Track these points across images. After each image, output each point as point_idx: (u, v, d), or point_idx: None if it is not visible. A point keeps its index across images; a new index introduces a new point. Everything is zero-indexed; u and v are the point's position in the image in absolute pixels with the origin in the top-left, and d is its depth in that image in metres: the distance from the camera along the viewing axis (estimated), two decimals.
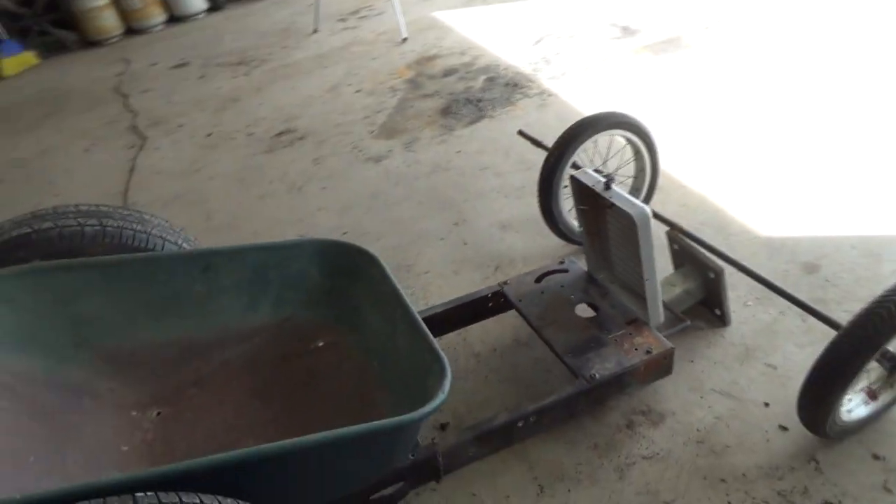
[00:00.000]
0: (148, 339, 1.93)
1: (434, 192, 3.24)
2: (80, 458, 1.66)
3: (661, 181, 2.84)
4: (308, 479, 1.54)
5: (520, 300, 2.18)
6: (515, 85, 4.07)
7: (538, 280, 2.25)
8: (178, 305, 1.94)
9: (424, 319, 2.13)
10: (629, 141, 2.54)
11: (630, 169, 2.66)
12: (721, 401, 2.01)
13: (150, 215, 2.09)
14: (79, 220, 1.89)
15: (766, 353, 2.12)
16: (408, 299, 1.87)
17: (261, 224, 3.27)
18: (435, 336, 2.24)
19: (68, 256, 1.83)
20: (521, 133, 2.89)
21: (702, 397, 2.03)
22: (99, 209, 1.97)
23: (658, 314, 2.02)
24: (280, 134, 4.07)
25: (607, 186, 1.92)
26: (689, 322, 2.09)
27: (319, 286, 2.09)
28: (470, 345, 2.38)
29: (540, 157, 2.55)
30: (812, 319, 1.88)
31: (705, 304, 2.27)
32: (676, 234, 2.25)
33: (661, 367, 1.95)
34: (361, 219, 3.15)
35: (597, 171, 2.40)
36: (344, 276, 2.06)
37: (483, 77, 4.24)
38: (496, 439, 1.81)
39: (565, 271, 2.28)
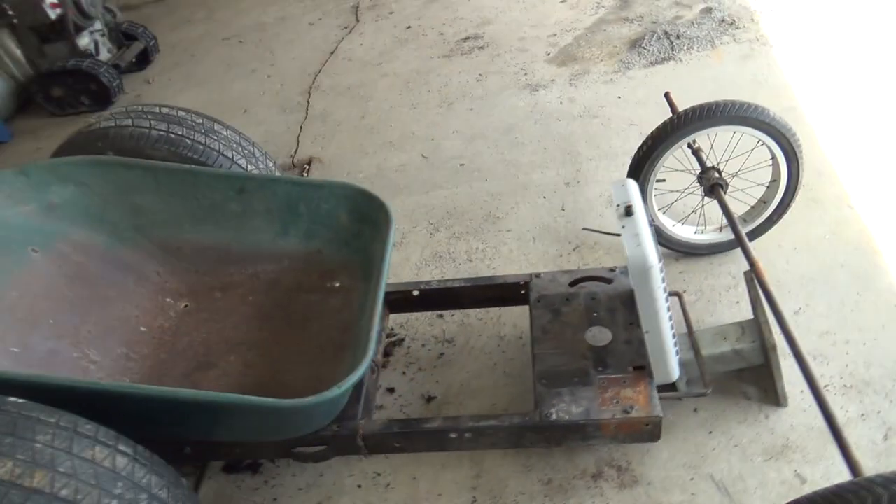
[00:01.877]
0: (193, 240, 2.17)
1: (566, 140, 2.94)
2: (97, 330, 1.99)
3: (827, 190, 2.25)
4: (217, 423, 1.67)
5: (538, 300, 1.96)
6: (732, 23, 3.35)
7: (573, 283, 1.99)
8: (216, 217, 2.12)
9: (446, 290, 2.08)
10: (763, 142, 2.00)
11: (767, 173, 2.12)
12: (710, 493, 1.66)
13: (222, 126, 2.25)
14: (151, 122, 2.11)
15: (806, 460, 1.67)
16: (386, 270, 1.81)
17: (397, 134, 3.31)
18: (454, 309, 2.16)
19: (135, 154, 2.07)
20: (666, 97, 2.43)
21: (692, 479, 1.70)
22: (176, 114, 2.18)
23: (666, 372, 1.68)
24: (466, 39, 3.94)
25: (627, 212, 1.58)
26: (708, 391, 1.71)
27: (347, 229, 2.11)
28: (502, 324, 2.25)
29: None
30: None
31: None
32: (752, 278, 1.79)
33: (641, 431, 1.65)
34: (483, 152, 3.02)
35: (706, 171, 1.99)
36: (368, 226, 2.05)
37: (702, 6, 3.55)
38: (425, 442, 1.75)
39: (608, 281, 1.97)
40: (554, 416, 1.66)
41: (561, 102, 3.18)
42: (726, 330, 1.82)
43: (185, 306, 2.17)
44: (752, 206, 2.18)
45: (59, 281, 1.99)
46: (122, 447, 1.42)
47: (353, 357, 1.63)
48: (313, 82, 3.99)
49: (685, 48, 3.27)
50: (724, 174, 2.09)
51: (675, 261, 2.27)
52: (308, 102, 3.81)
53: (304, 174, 3.28)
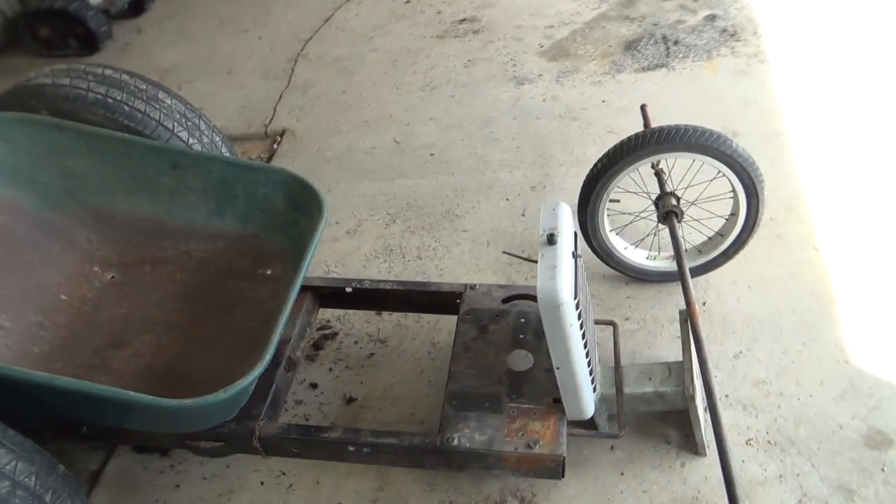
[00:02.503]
0: (126, 210, 2.09)
1: (542, 141, 2.82)
2: (11, 294, 1.92)
3: (795, 228, 2.14)
4: (106, 412, 1.62)
5: (468, 313, 1.88)
6: (733, 34, 3.18)
7: (507, 300, 1.90)
8: (150, 189, 2.04)
9: (378, 290, 1.99)
10: (724, 174, 1.89)
11: (728, 205, 2.01)
12: None
13: (167, 94, 2.15)
14: (91, 84, 2.02)
15: None
16: (307, 263, 1.73)
17: (374, 114, 3.20)
18: (386, 311, 2.07)
19: (70, 116, 1.99)
20: (642, 109, 2.31)
21: None
22: (119, 78, 2.08)
23: (579, 409, 1.60)
24: (462, 21, 3.79)
25: (549, 241, 1.47)
26: (620, 435, 1.63)
27: (284, 216, 2.02)
28: (437, 330, 2.18)
29: None
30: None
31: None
32: (686, 319, 1.69)
33: (543, 468, 1.58)
34: (456, 144, 2.90)
35: (663, 196, 1.88)
36: (304, 215, 1.96)
37: (707, 13, 3.38)
38: (323, 451, 1.69)
39: None
40: (455, 443, 1.59)
41: (544, 100, 3.05)
42: (653, 370, 1.73)
43: (112, 277, 2.10)
44: (710, 238, 2.07)
45: None
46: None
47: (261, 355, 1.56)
48: (302, 49, 3.87)
49: (681, 56, 3.12)
50: (682, 201, 1.99)
51: (624, 284, 2.17)
52: (293, 71, 3.69)
53: (275, 146, 3.18)
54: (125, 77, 2.11)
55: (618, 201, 2.02)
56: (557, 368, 1.52)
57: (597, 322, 1.89)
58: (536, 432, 1.59)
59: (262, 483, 1.86)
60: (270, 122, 3.32)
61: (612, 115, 2.88)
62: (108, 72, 2.10)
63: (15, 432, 1.42)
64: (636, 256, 2.11)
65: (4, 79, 4.16)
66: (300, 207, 1.97)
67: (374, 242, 2.53)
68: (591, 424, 1.71)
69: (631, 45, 3.26)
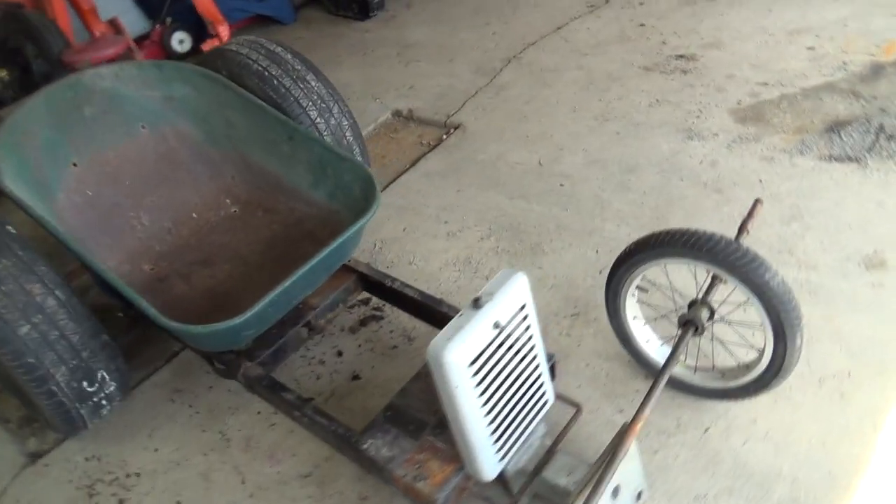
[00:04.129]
0: (261, 162, 2.54)
1: (669, 205, 2.65)
2: (158, 201, 2.51)
3: (870, 395, 1.84)
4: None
5: None
6: None
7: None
8: (275, 152, 2.45)
9: (405, 295, 2.19)
10: (752, 304, 1.68)
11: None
12: None
13: (315, 76, 2.52)
14: (259, 57, 2.48)
15: None
16: (331, 248, 1.98)
17: (538, 131, 3.28)
18: (410, 314, 2.26)
19: (237, 79, 2.47)
20: (754, 204, 2.09)
21: None
22: (283, 56, 2.51)
23: (474, 469, 1.64)
24: (679, 56, 3.59)
25: (475, 304, 1.52)
26: None
27: (358, 202, 2.29)
28: None
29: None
30: None
31: None
32: (622, 433, 1.60)
33: (419, 500, 1.67)
34: (589, 182, 2.87)
35: (695, 302, 1.76)
36: (369, 204, 2.19)
37: None
38: (279, 405, 1.98)
39: None
40: (365, 446, 1.75)
41: (701, 162, 2.83)
42: (579, 466, 1.67)
43: (234, 211, 2.60)
44: (736, 365, 1.85)
45: (151, 156, 2.55)
46: (58, 292, 1.90)
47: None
48: (520, 52, 4.04)
49: (885, 155, 2.62)
50: (716, 316, 1.81)
51: (642, 378, 2.04)
52: (500, 71, 3.89)
53: (444, 136, 3.45)
54: (287, 56, 2.54)
55: (646, 291, 1.91)
56: (449, 422, 1.59)
57: (562, 399, 1.86)
58: (430, 471, 1.68)
59: (258, 412, 2.22)
60: (454, 114, 3.59)
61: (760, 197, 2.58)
62: (278, 49, 2.55)
63: (78, 301, 1.94)
64: (656, 353, 1.97)
65: (297, 27, 5.09)
66: (367, 198, 2.22)
67: (461, 251, 2.69)
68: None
69: (835, 127, 2.82)
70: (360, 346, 2.40)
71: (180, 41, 4.84)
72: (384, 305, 2.53)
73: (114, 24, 4.37)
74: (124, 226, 2.44)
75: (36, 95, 2.33)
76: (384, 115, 3.74)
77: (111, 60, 4.17)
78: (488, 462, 1.63)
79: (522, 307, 1.61)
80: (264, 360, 2.09)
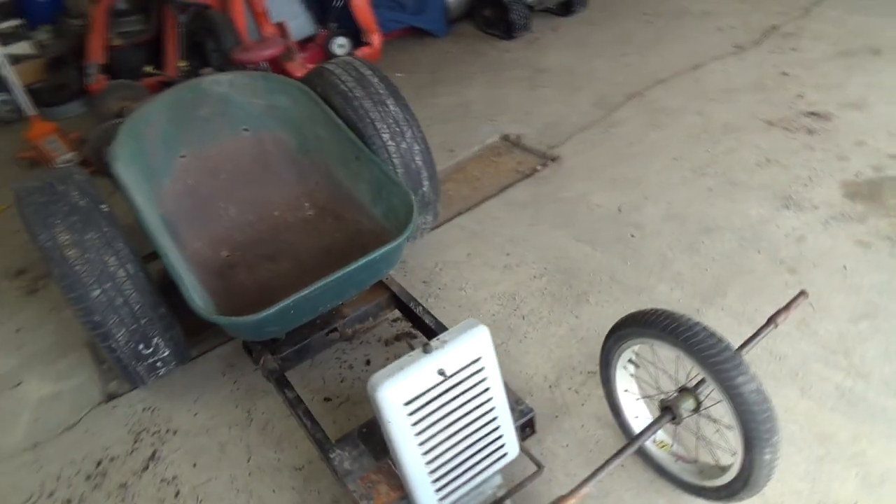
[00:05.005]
0: (340, 175, 2.76)
1: (734, 276, 2.47)
2: (247, 197, 2.82)
3: None
4: None
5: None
6: None
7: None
8: (348, 167, 2.66)
9: (422, 322, 2.30)
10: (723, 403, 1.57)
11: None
12: None
13: (395, 101, 2.69)
14: (348, 78, 2.70)
15: None
16: (356, 265, 2.14)
17: (630, 175, 3.19)
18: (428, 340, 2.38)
19: (325, 96, 2.71)
20: (798, 295, 1.94)
21: None
22: (369, 79, 2.70)
23: (413, 502, 1.71)
24: (811, 114, 3.27)
25: (425, 349, 1.59)
26: None
27: (401, 226, 2.41)
28: None
29: None
30: None
31: None
32: None
33: None
34: (660, 237, 2.75)
35: (681, 389, 1.72)
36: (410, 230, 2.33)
37: None
38: (284, 399, 2.16)
39: None
40: (332, 455, 1.90)
41: (786, 235, 2.60)
42: None
43: (309, 214, 2.86)
44: (714, 465, 1.73)
45: (248, 156, 2.87)
46: (128, 266, 2.24)
47: None
48: (646, 89, 3.92)
49: None
50: (702, 409, 1.71)
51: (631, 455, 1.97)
52: (618, 107, 3.81)
53: (539, 168, 3.47)
54: (374, 80, 2.73)
55: (637, 366, 1.85)
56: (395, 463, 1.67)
57: (527, 455, 1.86)
58: (377, 493, 1.78)
59: (283, 401, 2.44)
60: (557, 145, 3.59)
61: (836, 287, 2.33)
62: (367, 72, 2.75)
63: (145, 276, 2.28)
64: (638, 429, 1.89)
65: (449, 42, 5.30)
66: (406, 224, 2.35)
67: (510, 286, 2.72)
68: None
69: None
70: (387, 359, 2.54)
71: (340, 45, 5.26)
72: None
73: (280, 27, 4.88)
74: (213, 214, 2.79)
75: (164, 94, 2.74)
76: (492, 138, 3.83)
77: (270, 60, 4.69)
78: (427, 498, 1.70)
79: (477, 360, 1.65)
80: (287, 356, 2.31)
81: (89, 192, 2.32)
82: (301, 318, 2.27)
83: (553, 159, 3.50)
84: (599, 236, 2.86)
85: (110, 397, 2.62)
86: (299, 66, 4.95)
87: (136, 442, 2.40)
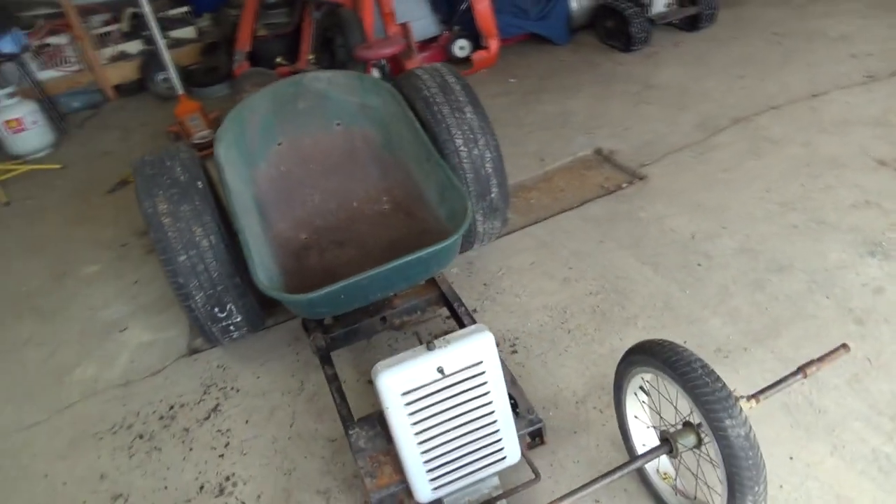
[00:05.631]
0: (416, 173, 2.92)
1: (794, 318, 2.35)
2: (332, 186, 3.05)
3: None
4: None
5: None
6: None
7: None
8: (422, 167, 2.81)
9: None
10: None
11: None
12: None
13: (472, 108, 2.80)
14: (430, 83, 2.84)
15: None
16: (400, 260, 2.30)
17: (713, 203, 3.09)
18: None
19: (411, 97, 2.87)
20: (840, 347, 1.86)
21: None
22: (450, 85, 2.83)
23: (411, 486, 1.83)
24: None
25: (429, 346, 1.70)
26: None
27: (458, 228, 2.53)
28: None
29: None
30: None
31: None
32: None
33: (363, 493, 1.92)
34: (725, 269, 2.67)
35: (687, 423, 1.74)
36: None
37: None
38: (324, 375, 2.35)
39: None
40: (351, 432, 2.06)
41: (864, 284, 2.43)
42: None
43: (386, 209, 3.04)
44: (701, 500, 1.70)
45: (338, 149, 3.10)
46: (211, 238, 2.53)
47: None
48: (755, 115, 3.75)
49: None
50: (701, 444, 1.69)
51: (638, 482, 1.97)
52: (720, 131, 3.68)
53: (624, 185, 3.44)
54: (457, 87, 2.86)
55: (648, 394, 1.85)
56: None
57: (527, 462, 1.91)
58: (382, 473, 1.92)
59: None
60: (648, 164, 3.54)
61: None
62: (451, 80, 2.88)
63: (224, 249, 2.56)
64: (651, 464, 1.89)
65: (568, 51, 5.31)
66: (458, 228, 2.46)
67: (563, 299, 2.76)
68: None
69: None
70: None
71: (461, 48, 5.44)
72: (476, 312, 2.77)
73: (404, 28, 5.14)
74: (300, 199, 3.05)
75: (269, 86, 3.03)
76: (585, 151, 3.83)
77: (389, 58, 4.95)
78: (420, 485, 1.82)
79: (478, 364, 1.73)
80: (336, 336, 2.51)
81: (190, 169, 2.64)
82: (351, 304, 2.45)
83: (640, 178, 3.45)
84: (664, 261, 2.81)
85: (193, 351, 2.96)
86: (417, 64, 5.18)
87: (204, 394, 2.71)
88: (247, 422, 2.53)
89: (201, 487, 2.30)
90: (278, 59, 5.15)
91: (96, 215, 4.29)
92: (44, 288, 3.68)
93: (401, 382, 1.68)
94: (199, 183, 2.61)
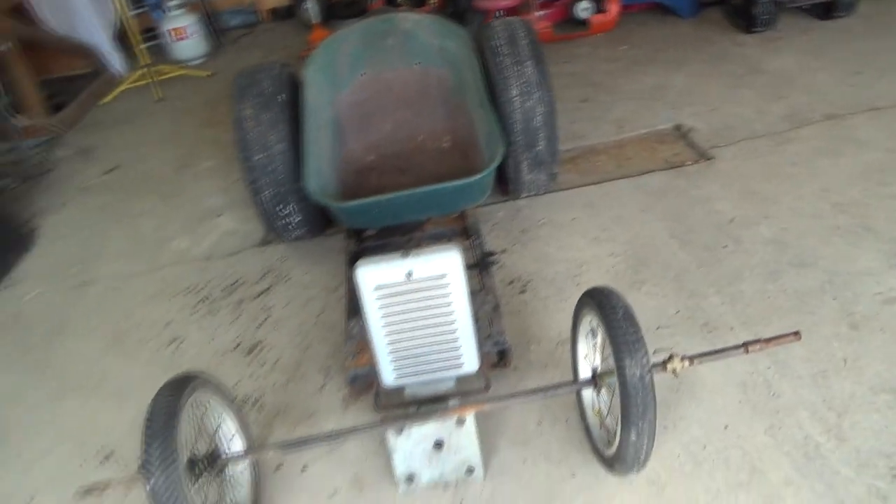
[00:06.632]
0: (473, 115, 3.15)
1: (777, 311, 2.39)
2: (403, 118, 3.35)
3: None
4: None
5: None
6: None
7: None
8: (478, 111, 3.03)
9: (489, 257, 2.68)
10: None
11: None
12: None
13: (532, 65, 2.96)
14: (502, 36, 3.03)
15: None
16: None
17: (765, 191, 3.06)
18: None
19: (484, 51, 3.09)
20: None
21: None
22: (520, 42, 3.00)
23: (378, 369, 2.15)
24: None
25: (404, 254, 1.99)
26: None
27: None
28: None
29: None
30: None
31: None
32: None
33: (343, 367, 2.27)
34: (734, 254, 2.70)
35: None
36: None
37: None
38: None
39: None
40: (351, 321, 2.40)
41: (878, 293, 2.38)
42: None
43: (445, 146, 3.31)
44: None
45: (414, 85, 3.39)
46: (282, 144, 2.93)
47: None
48: (851, 114, 3.58)
49: None
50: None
51: (580, 452, 2.16)
52: (807, 125, 3.56)
53: (690, 163, 3.46)
54: (524, 42, 3.01)
55: (595, 336, 2.03)
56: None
57: (483, 374, 2.16)
58: (362, 357, 2.27)
59: None
60: (720, 146, 3.52)
61: (887, 356, 2.15)
62: (520, 33, 3.04)
63: (288, 149, 2.95)
64: (587, 397, 2.07)
65: (690, 25, 5.17)
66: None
67: (586, 256, 2.91)
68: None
69: None
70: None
71: (584, 9, 5.45)
72: (504, 250, 3.02)
73: None
74: (373, 126, 3.39)
75: (362, 21, 3.37)
76: (665, 125, 3.86)
77: (508, 11, 5.13)
78: (385, 370, 2.13)
79: (442, 276, 1.99)
80: (367, 246, 2.86)
81: (276, 84, 3.04)
82: (384, 219, 2.80)
83: (708, 158, 3.46)
84: (694, 238, 2.88)
85: (264, 243, 3.44)
86: (535, 19, 5.32)
87: (262, 277, 3.18)
88: (287, 305, 2.97)
89: (237, 346, 2.78)
90: (399, 0, 5.47)
91: (225, 121, 4.87)
92: (168, 174, 4.35)
93: (374, 278, 1.99)
94: (280, 97, 3.01)
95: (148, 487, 1.67)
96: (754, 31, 4.70)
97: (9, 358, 2.96)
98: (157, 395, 1.81)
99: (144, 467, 1.68)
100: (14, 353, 2.99)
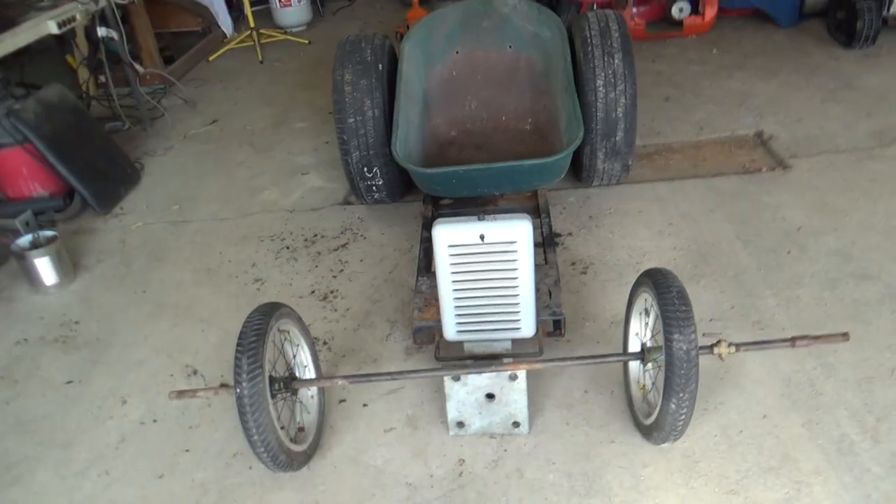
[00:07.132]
0: (558, 100, 3.28)
1: (832, 317, 2.44)
2: (487, 97, 3.52)
3: None
4: None
5: None
6: None
7: None
8: (562, 96, 3.17)
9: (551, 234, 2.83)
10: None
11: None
12: None
13: (620, 59, 3.07)
14: (594, 27, 3.14)
15: None
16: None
17: (838, 204, 3.08)
18: None
19: (572, 38, 3.21)
20: None
21: None
22: (611, 34, 3.11)
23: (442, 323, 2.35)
24: None
25: (479, 218, 2.16)
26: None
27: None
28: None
29: None
30: None
31: None
32: None
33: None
34: (796, 260, 2.74)
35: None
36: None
37: None
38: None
39: None
40: (420, 279, 2.60)
41: None
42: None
43: (527, 128, 3.46)
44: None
45: (503, 68, 3.54)
46: (375, 111, 3.15)
47: None
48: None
49: None
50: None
51: (620, 420, 2.30)
52: (893, 143, 3.53)
53: (765, 170, 3.50)
54: (615, 35, 3.13)
55: (648, 314, 2.15)
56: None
57: (538, 340, 2.32)
58: (427, 311, 2.46)
59: None
60: (799, 157, 3.53)
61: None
62: (613, 27, 3.16)
63: (381, 115, 3.17)
64: (633, 371, 2.21)
65: (786, 35, 5.11)
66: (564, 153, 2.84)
67: (648, 247, 3.01)
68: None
69: None
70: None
71: (681, 9, 5.45)
72: (570, 233, 3.16)
73: None
74: (459, 103, 3.57)
75: (464, 2, 3.54)
76: (746, 131, 3.89)
77: (602, 4, 5.20)
78: (449, 325, 2.31)
79: (513, 242, 2.16)
80: (442, 213, 3.05)
81: (377, 53, 3.26)
82: (461, 190, 2.98)
83: (785, 167, 3.48)
84: (759, 242, 2.94)
85: (346, 202, 3.69)
86: (629, 14, 5.36)
87: (341, 233, 3.42)
88: (361, 261, 3.20)
89: (312, 291, 3.03)
90: None
91: (319, 86, 5.18)
92: (264, 130, 4.66)
93: (449, 237, 2.17)
94: (379, 66, 3.23)
95: (236, 394, 1.92)
96: (854, 47, 4.62)
97: (114, 278, 3.31)
98: (250, 316, 2.06)
99: (234, 376, 1.93)
100: (119, 274, 3.33)
